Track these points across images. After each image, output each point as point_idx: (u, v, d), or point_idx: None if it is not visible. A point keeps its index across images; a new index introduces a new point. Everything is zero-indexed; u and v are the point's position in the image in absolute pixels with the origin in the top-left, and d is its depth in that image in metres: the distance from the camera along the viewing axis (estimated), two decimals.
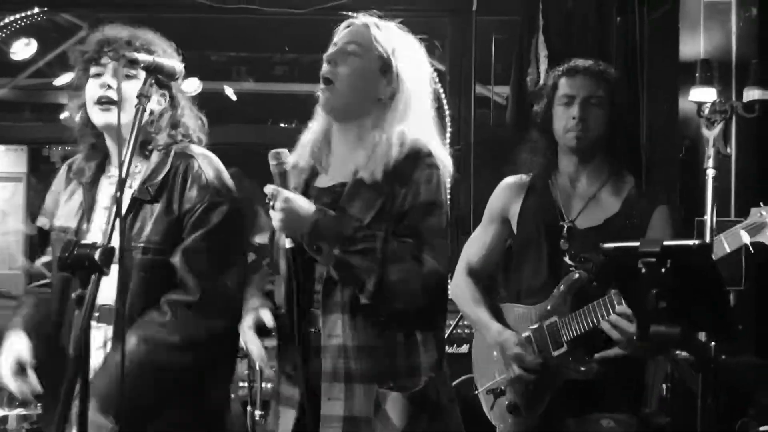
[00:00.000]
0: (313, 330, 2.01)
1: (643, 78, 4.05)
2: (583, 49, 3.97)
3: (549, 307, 2.30)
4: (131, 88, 2.05)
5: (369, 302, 1.95)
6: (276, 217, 1.90)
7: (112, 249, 1.65)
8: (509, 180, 2.54)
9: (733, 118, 3.89)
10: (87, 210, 2.22)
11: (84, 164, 2.28)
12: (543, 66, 4.05)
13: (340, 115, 2.08)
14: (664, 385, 2.76)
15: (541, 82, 4.07)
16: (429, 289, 1.98)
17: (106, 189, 2.25)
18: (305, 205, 1.92)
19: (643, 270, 1.46)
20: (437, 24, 4.83)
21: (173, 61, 2.00)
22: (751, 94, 3.63)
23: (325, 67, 2.05)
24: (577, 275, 2.24)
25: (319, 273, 2.02)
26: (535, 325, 2.31)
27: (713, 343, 1.59)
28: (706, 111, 3.98)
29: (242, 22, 5.38)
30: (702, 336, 1.64)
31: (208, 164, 2.21)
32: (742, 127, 3.77)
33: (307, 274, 2.02)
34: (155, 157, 2.19)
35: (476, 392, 2.52)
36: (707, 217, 1.83)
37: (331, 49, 2.07)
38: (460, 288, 2.53)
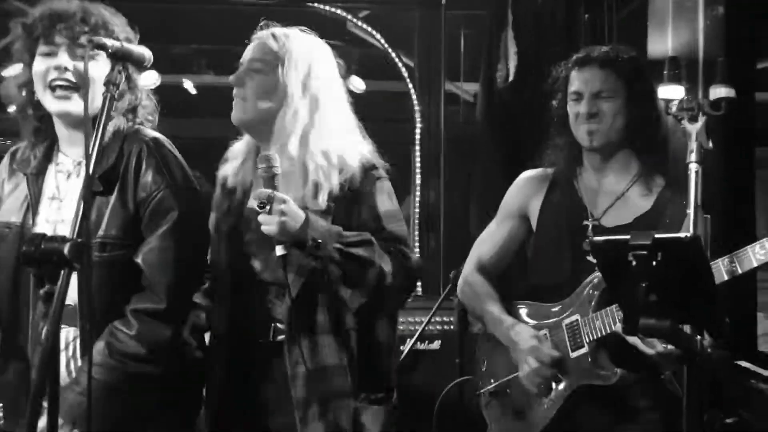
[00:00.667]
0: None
1: None
2: (552, 45, 3.99)
3: (571, 306, 2.14)
4: (89, 71, 1.91)
5: (364, 298, 1.95)
6: (272, 221, 1.84)
7: (82, 243, 1.56)
8: (529, 174, 2.37)
9: (700, 114, 3.94)
10: (33, 203, 2.05)
11: (29, 153, 2.09)
12: (512, 62, 4.06)
13: (254, 130, 2.08)
14: None
15: (511, 78, 4.08)
16: (413, 282, 2.06)
17: (52, 179, 2.08)
18: (297, 208, 1.89)
19: (634, 263, 1.43)
20: (405, 18, 4.81)
21: (141, 48, 1.86)
22: (718, 91, 3.63)
23: (234, 90, 2.05)
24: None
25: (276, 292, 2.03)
26: (553, 323, 2.17)
27: (699, 337, 1.57)
28: (674, 108, 4.02)
29: (203, 13, 5.29)
30: (687, 329, 1.63)
31: (162, 148, 2.07)
32: (708, 124, 3.82)
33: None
34: (110, 145, 2.01)
35: (478, 393, 2.36)
36: (690, 211, 1.82)
37: (239, 69, 2.06)
38: (469, 285, 2.37)
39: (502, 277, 2.41)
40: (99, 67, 1.93)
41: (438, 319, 3.69)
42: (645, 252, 1.41)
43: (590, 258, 2.13)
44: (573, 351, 2.11)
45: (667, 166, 2.21)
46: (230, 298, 2.07)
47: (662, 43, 4.01)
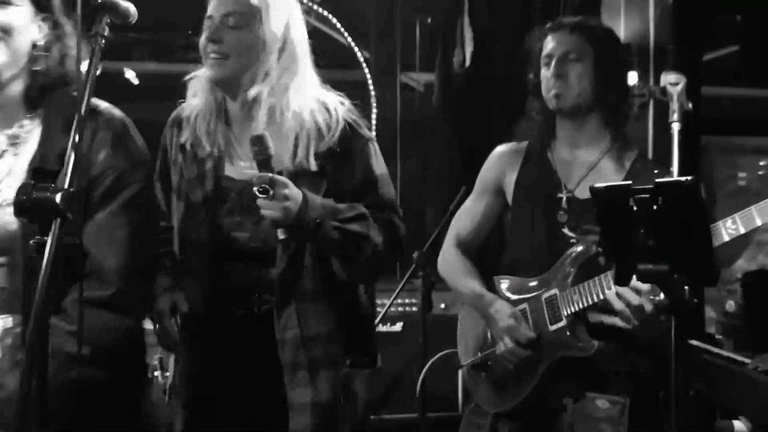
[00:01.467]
0: None
1: None
2: (507, 33, 4.05)
3: (549, 280, 2.16)
4: (7, 18, 1.68)
5: (357, 271, 1.96)
6: (276, 206, 1.81)
7: (74, 193, 1.48)
8: (503, 148, 2.37)
9: (651, 102, 4.07)
10: None
11: None
12: (469, 48, 4.09)
13: (232, 89, 2.00)
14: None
15: (467, 64, 4.12)
16: (402, 251, 2.03)
17: None
18: (296, 189, 1.85)
19: (635, 208, 1.46)
20: (361, 4, 4.80)
21: (126, 3, 1.78)
22: (669, 78, 3.76)
23: (211, 46, 1.95)
24: (581, 247, 2.11)
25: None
26: (532, 297, 2.19)
27: (686, 287, 1.61)
28: None
29: (144, 1, 5.16)
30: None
31: (117, 122, 1.79)
32: (659, 110, 3.95)
33: None
34: (52, 113, 1.74)
35: (460, 367, 2.38)
36: (674, 169, 1.87)
37: (211, 24, 1.97)
38: (448, 261, 2.39)
39: (482, 251, 2.43)
40: (19, 15, 1.70)
41: (400, 301, 3.71)
42: (647, 196, 1.43)
43: (565, 230, 2.17)
44: (552, 324, 2.14)
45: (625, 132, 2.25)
46: (206, 272, 2.00)
47: (615, 30, 4.12)
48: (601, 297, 2.02)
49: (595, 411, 2.11)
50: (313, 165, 1.94)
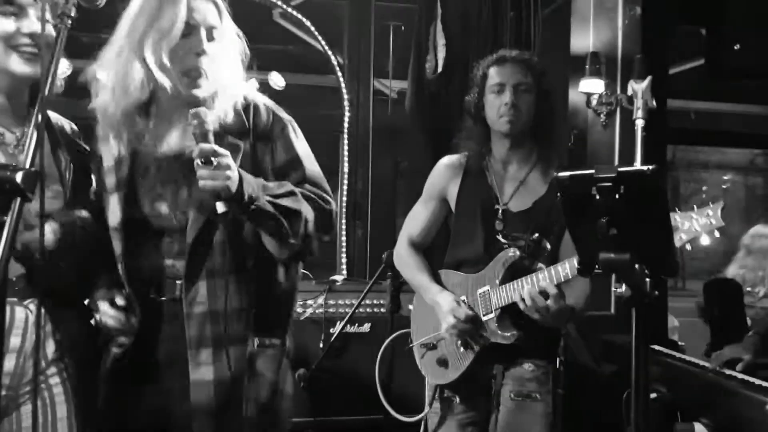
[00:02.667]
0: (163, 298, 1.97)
1: None
2: (479, 40, 4.10)
3: (484, 278, 2.48)
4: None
5: (293, 249, 1.93)
6: (219, 176, 1.77)
7: (36, 172, 1.48)
8: (447, 160, 2.66)
9: (618, 109, 4.16)
10: None
11: None
12: (441, 54, 4.12)
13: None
14: (558, 359, 2.86)
15: (439, 69, 4.16)
16: (332, 226, 2.06)
17: None
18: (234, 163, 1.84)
19: (598, 196, 1.48)
20: (336, 8, 4.82)
21: None
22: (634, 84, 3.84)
23: (196, 61, 1.91)
24: (511, 253, 2.43)
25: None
26: (470, 291, 2.52)
27: (648, 279, 1.63)
28: (594, 102, 4.22)
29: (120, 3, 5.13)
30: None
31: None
32: (625, 117, 4.02)
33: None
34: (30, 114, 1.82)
35: (410, 346, 2.70)
36: (636, 164, 1.90)
37: (190, 32, 1.92)
38: (402, 258, 2.73)
39: (431, 248, 2.76)
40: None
41: (368, 302, 3.73)
42: (609, 184, 1.46)
43: (499, 237, 2.49)
44: (484, 316, 2.46)
45: (561, 154, 2.53)
46: (132, 252, 1.96)
47: (584, 39, 4.19)
48: (521, 296, 2.32)
49: (523, 373, 2.45)
50: (230, 140, 1.94)
